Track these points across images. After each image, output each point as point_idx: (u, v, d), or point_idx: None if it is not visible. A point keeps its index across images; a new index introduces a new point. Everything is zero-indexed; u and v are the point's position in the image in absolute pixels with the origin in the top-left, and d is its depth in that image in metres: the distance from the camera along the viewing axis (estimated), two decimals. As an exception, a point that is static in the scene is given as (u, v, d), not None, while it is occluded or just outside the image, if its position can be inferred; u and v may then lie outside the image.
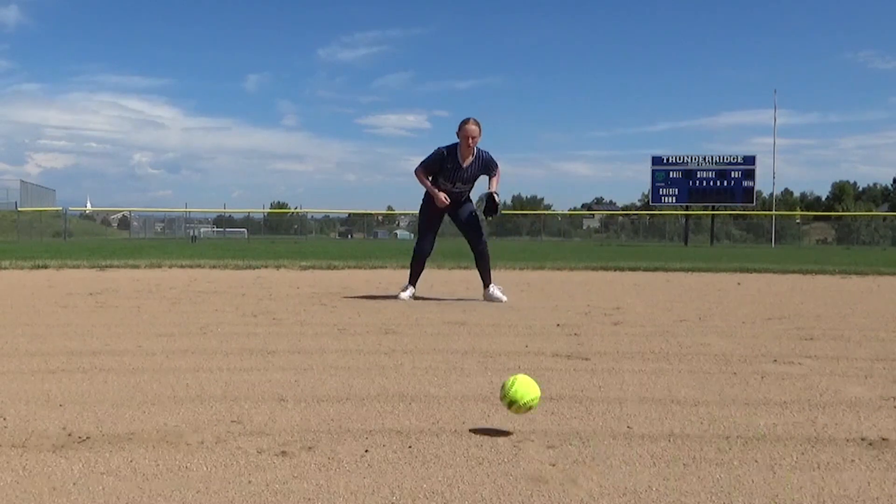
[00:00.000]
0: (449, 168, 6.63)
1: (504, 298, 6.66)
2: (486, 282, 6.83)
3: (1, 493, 1.97)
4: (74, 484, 2.03)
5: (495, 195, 6.67)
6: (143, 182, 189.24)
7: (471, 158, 6.61)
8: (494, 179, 6.77)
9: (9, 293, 7.18)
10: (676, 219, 47.32)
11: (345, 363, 3.73)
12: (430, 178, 6.76)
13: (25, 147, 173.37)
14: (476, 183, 6.88)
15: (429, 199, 6.81)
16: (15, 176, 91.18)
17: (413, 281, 6.92)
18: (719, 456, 2.31)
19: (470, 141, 6.48)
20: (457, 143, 6.59)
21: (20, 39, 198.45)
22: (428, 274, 10.17)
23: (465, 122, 6.51)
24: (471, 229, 6.88)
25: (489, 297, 6.71)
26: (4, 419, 2.66)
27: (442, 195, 6.64)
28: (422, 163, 6.75)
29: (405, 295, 6.77)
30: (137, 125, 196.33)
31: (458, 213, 6.89)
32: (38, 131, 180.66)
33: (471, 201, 7.00)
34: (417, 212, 7.02)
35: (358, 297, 6.95)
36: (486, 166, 6.72)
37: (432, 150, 6.70)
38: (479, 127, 6.53)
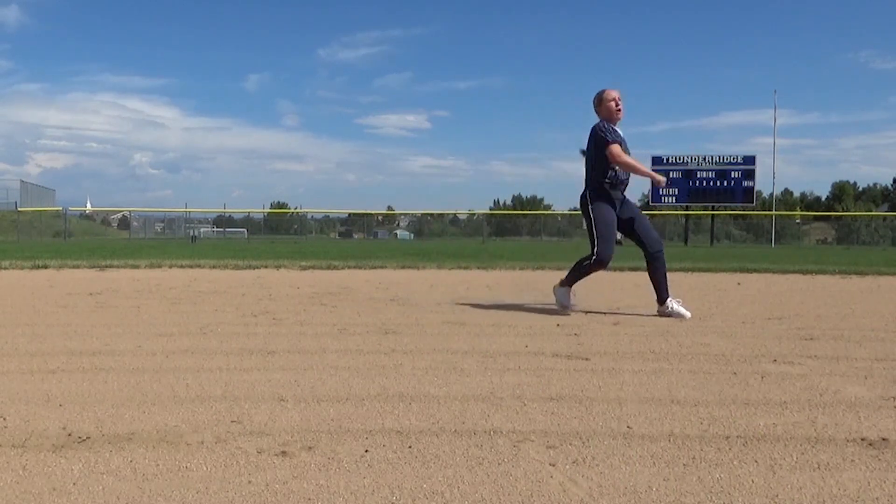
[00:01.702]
0: (623, 143, 5.81)
1: (687, 314, 5.66)
2: (661, 297, 5.82)
3: (1, 492, 1.97)
4: (74, 484, 2.04)
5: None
6: (143, 182, 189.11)
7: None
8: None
9: (9, 293, 7.18)
10: (676, 219, 47.30)
11: (345, 363, 3.73)
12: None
13: (26, 147, 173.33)
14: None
15: (606, 198, 5.84)
16: (15, 176, 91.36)
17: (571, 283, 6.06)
18: (719, 456, 2.32)
19: (620, 105, 5.81)
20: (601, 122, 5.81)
21: (21, 39, 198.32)
22: (429, 274, 10.17)
23: (603, 90, 5.87)
24: (643, 230, 5.91)
25: (666, 314, 5.74)
26: (4, 419, 2.66)
27: (661, 177, 6.13)
28: (612, 140, 5.73)
29: (573, 301, 6.06)
30: (137, 125, 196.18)
31: (625, 211, 5.96)
32: (39, 131, 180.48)
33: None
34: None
35: (358, 298, 6.94)
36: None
37: (595, 130, 5.80)
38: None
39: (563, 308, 5.97)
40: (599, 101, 5.88)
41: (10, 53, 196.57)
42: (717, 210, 40.49)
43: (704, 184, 38.69)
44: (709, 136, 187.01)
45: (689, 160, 38.82)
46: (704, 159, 38.76)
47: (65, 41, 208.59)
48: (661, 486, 2.06)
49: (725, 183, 38.47)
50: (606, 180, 5.79)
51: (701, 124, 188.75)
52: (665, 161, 39.00)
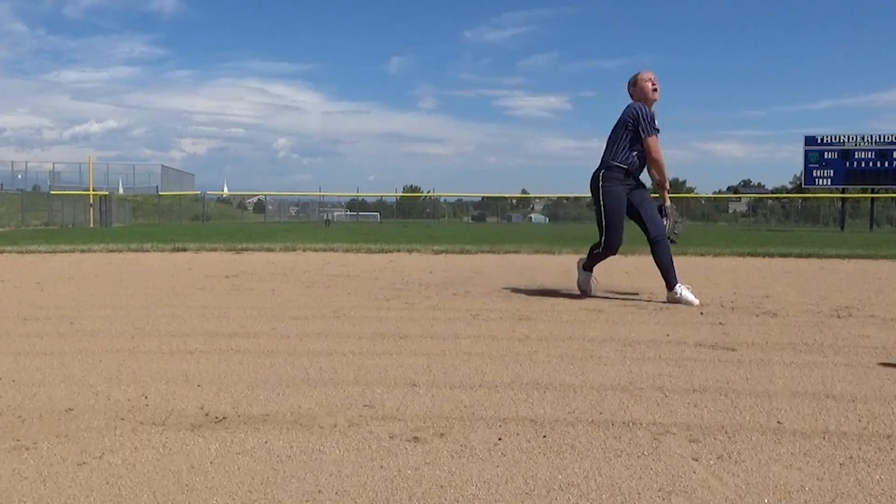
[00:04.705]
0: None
1: (695, 301, 5.50)
2: (670, 283, 5.68)
3: (142, 468, 2.03)
4: (211, 463, 2.08)
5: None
6: (282, 166, 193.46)
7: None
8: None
9: (151, 275, 7.54)
10: (832, 202, 44.92)
11: (478, 349, 3.69)
12: (628, 151, 5.73)
13: (174, 133, 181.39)
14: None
15: (618, 181, 5.70)
16: (160, 161, 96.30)
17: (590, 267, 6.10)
18: (879, 456, 2.18)
19: (656, 85, 5.73)
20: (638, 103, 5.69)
21: (175, 27, 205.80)
22: (564, 259, 10.03)
23: (639, 73, 5.77)
24: (647, 216, 5.77)
25: (675, 300, 5.59)
26: (146, 397, 2.76)
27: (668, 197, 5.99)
28: (653, 130, 5.64)
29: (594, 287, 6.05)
30: (280, 110, 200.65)
31: (635, 196, 5.81)
32: (185, 117, 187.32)
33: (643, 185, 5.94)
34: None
35: (491, 283, 6.90)
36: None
37: (633, 110, 5.63)
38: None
39: (582, 292, 6.02)
40: (634, 83, 5.78)
41: (165, 41, 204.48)
42: (878, 193, 38.16)
43: (863, 165, 36.52)
44: (874, 114, 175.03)
45: (847, 140, 36.73)
46: (863, 139, 36.58)
47: (218, 28, 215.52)
48: (815, 486, 1.94)
49: (886, 164, 36.19)
50: (624, 165, 5.70)
51: (868, 100, 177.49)
52: (819, 141, 37.04)
